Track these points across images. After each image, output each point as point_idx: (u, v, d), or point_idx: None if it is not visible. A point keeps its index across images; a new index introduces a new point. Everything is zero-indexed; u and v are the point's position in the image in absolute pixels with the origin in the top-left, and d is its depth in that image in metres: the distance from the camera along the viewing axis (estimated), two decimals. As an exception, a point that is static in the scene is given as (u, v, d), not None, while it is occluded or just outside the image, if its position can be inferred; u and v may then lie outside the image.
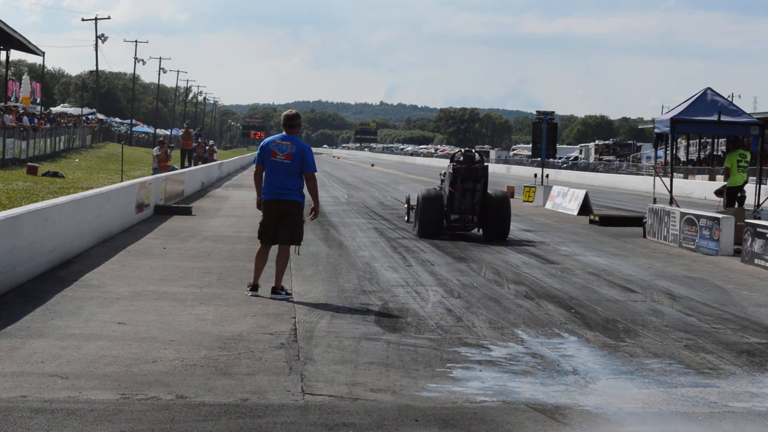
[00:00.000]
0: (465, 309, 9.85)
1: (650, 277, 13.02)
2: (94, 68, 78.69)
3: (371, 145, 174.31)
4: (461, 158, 18.13)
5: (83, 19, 73.86)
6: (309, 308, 9.53)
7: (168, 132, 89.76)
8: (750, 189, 19.75)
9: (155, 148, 31.57)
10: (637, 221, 21.39)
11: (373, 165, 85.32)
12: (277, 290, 10.02)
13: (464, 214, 17.63)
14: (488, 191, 17.70)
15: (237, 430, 5.56)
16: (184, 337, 7.89)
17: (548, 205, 28.80)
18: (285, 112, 10.37)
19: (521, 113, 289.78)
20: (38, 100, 62.24)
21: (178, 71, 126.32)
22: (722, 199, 18.50)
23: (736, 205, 17.79)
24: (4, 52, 50.31)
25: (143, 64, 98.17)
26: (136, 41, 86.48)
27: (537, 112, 32.72)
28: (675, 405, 6.50)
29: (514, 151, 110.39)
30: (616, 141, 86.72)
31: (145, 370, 6.79)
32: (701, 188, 40.75)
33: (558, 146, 55.68)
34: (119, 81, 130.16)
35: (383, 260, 13.82)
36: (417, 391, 6.56)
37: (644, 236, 19.23)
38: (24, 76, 66.13)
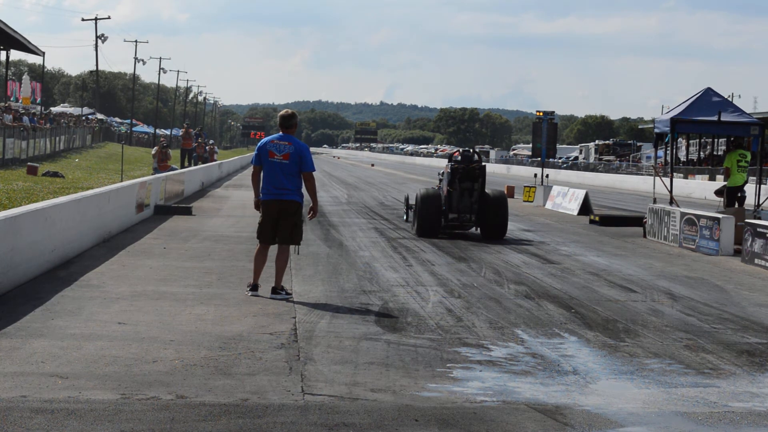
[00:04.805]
0: (465, 309, 9.85)
1: (650, 277, 13.01)
2: (94, 68, 78.69)
3: (371, 145, 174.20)
4: (459, 158, 18.18)
5: (83, 19, 73.89)
6: (309, 308, 9.53)
7: (168, 132, 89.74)
8: (750, 189, 19.75)
9: (154, 148, 31.61)
10: (637, 221, 21.38)
11: (373, 165, 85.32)
12: (277, 290, 10.01)
13: (462, 213, 17.69)
14: (486, 191, 17.74)
15: (237, 430, 5.56)
16: (184, 337, 7.89)
17: (548, 205, 28.80)
18: (281, 113, 10.35)
19: (521, 113, 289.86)
20: (38, 100, 62.29)
21: (178, 71, 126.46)
22: (722, 199, 18.50)
23: (736, 205, 17.79)
24: (4, 52, 50.38)
25: (143, 64, 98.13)
26: (136, 41, 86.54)
27: (537, 112, 32.71)
28: (675, 405, 6.50)
29: (514, 151, 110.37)
30: (616, 141, 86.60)
31: (145, 370, 6.79)
32: (701, 188, 40.75)
33: (558, 146, 55.72)
34: (119, 81, 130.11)
35: (383, 260, 13.82)
36: (417, 391, 6.55)
37: (644, 236, 19.22)
38: (24, 76, 66.20)
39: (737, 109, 18.79)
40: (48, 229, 11.31)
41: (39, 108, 57.36)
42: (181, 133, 46.55)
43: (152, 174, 27.85)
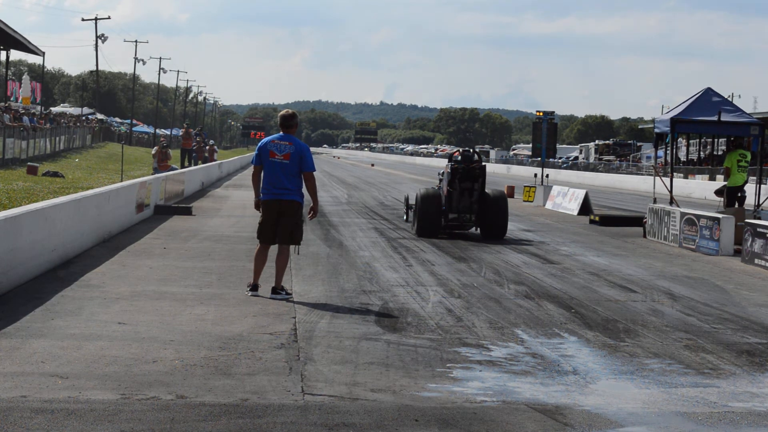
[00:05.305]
0: (465, 309, 9.85)
1: (650, 277, 13.02)
2: (94, 68, 78.69)
3: (371, 145, 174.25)
4: (459, 158, 18.19)
5: (83, 19, 73.87)
6: (309, 308, 9.53)
7: (168, 132, 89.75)
8: (750, 189, 19.76)
9: (154, 148, 31.62)
10: (637, 221, 21.39)
11: (373, 165, 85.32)
12: (277, 290, 10.01)
13: (462, 213, 17.70)
14: (486, 191, 17.75)
15: (237, 430, 5.56)
16: (184, 337, 7.89)
17: (548, 205, 28.80)
18: (281, 113, 10.35)
19: (521, 113, 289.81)
20: (38, 100, 62.29)
21: (178, 71, 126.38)
22: (722, 199, 18.51)
23: (736, 205, 17.79)
24: (4, 52, 50.36)
25: (143, 64, 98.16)
26: (136, 41, 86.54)
27: (537, 112, 32.71)
28: (675, 405, 6.50)
29: (514, 151, 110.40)
30: (616, 141, 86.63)
31: (145, 370, 6.79)
32: (701, 188, 40.75)
33: (558, 146, 55.79)
34: (119, 81, 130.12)
35: (383, 260, 13.82)
36: (417, 391, 6.55)
37: (644, 236, 19.23)
38: (24, 76, 66.21)
39: (737, 109, 18.79)
40: (48, 229, 11.31)
41: (39, 108, 57.34)
42: (181, 133, 46.56)
43: (152, 174, 27.85)
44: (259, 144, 10.28)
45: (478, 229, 17.97)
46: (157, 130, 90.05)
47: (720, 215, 16.51)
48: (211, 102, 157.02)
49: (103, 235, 14.60)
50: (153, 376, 6.63)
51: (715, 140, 51.89)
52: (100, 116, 76.60)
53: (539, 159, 33.06)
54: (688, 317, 9.92)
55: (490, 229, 17.64)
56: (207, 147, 51.80)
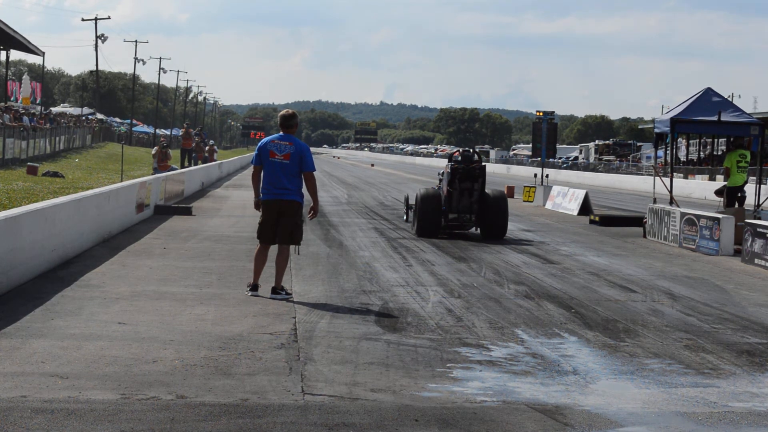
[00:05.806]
0: (465, 309, 9.85)
1: (650, 277, 13.02)
2: (94, 68, 78.66)
3: (371, 145, 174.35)
4: (459, 158, 18.19)
5: (83, 19, 73.82)
6: (309, 308, 9.53)
7: (168, 132, 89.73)
8: (750, 189, 19.76)
9: (154, 148, 31.62)
10: (637, 221, 21.39)
11: (373, 165, 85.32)
12: (277, 290, 10.01)
13: (462, 213, 17.70)
14: (486, 191, 17.76)
15: (237, 430, 5.56)
16: (184, 337, 7.89)
17: (548, 205, 28.80)
18: (281, 113, 10.35)
19: (521, 113, 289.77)
20: (38, 100, 62.29)
21: (178, 71, 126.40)
22: (722, 199, 18.51)
23: (736, 205, 17.79)
24: (4, 52, 50.38)
25: (143, 64, 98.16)
26: (136, 41, 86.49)
27: (537, 112, 32.70)
28: (675, 405, 6.50)
29: (514, 151, 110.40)
30: (616, 141, 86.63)
31: (145, 370, 6.79)
32: (701, 188, 40.75)
33: (558, 146, 55.75)
34: (119, 81, 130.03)
35: (383, 260, 13.82)
36: (417, 391, 6.55)
37: (644, 236, 19.23)
38: (24, 76, 66.23)
39: (737, 109, 18.79)
40: (48, 229, 11.31)
41: (39, 108, 57.34)
42: (181, 133, 46.55)
43: (152, 174, 27.85)
44: (259, 144, 10.28)
45: (478, 229, 17.98)
46: (157, 130, 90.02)
47: (720, 215, 16.51)
48: (211, 102, 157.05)
49: (103, 235, 14.60)
50: (153, 376, 6.63)
51: (715, 140, 51.87)
52: (100, 116, 76.59)
53: (539, 159, 33.07)
54: (688, 317, 9.92)
55: (490, 229, 17.64)
56: (207, 147, 51.79)
